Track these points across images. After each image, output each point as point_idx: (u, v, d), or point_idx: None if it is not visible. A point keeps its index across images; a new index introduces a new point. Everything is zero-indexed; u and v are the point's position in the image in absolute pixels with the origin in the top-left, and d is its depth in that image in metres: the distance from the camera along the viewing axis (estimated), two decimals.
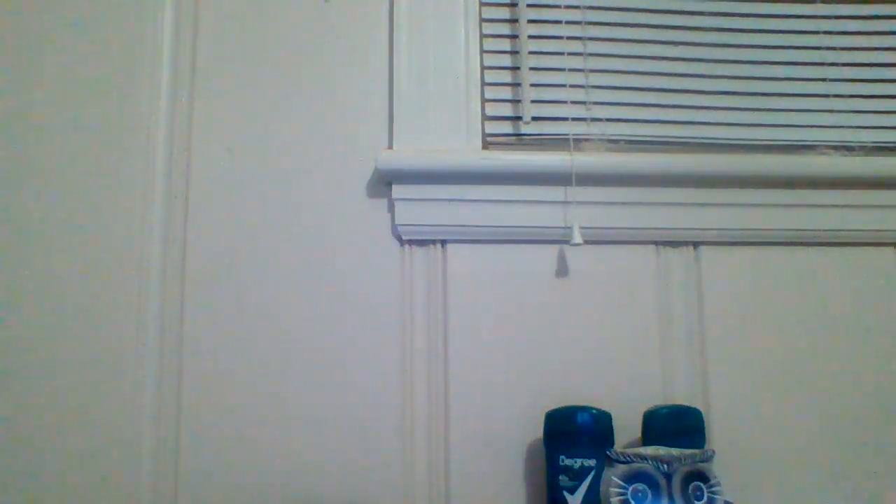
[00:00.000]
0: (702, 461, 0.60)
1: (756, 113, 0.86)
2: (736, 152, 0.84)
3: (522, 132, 0.83)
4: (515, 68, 0.84)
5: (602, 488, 0.61)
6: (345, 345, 0.78)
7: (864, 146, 0.86)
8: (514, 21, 0.85)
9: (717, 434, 0.79)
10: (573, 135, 0.82)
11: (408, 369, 0.78)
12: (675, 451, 0.61)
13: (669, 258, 0.83)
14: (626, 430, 0.75)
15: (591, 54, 0.85)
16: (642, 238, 0.82)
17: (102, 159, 0.80)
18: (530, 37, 0.84)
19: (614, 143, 0.84)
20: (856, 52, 0.88)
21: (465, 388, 0.78)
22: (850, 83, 0.87)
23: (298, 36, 0.84)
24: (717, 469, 0.63)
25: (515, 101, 0.84)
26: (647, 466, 0.59)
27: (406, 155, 0.80)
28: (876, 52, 0.88)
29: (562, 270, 0.81)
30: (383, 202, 0.81)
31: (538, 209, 0.80)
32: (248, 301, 0.79)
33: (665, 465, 0.59)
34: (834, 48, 0.88)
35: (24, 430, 0.75)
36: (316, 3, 0.85)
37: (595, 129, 0.83)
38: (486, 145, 0.83)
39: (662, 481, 0.58)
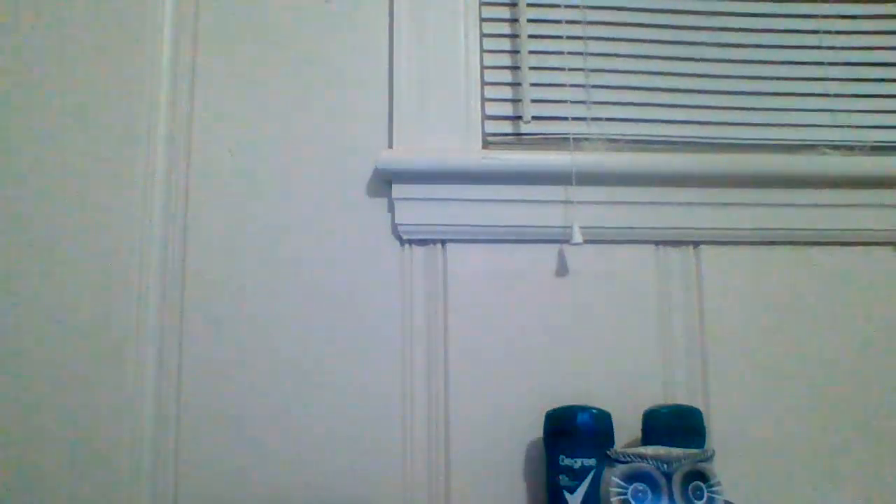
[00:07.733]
0: (702, 461, 0.60)
1: (756, 112, 0.86)
2: (736, 152, 0.84)
3: (522, 132, 0.83)
4: (515, 68, 0.84)
5: (602, 488, 0.61)
6: (345, 344, 0.78)
7: (864, 146, 0.86)
8: (514, 21, 0.85)
9: (717, 434, 0.78)
10: (573, 134, 0.82)
11: (408, 369, 0.78)
12: (675, 451, 0.61)
13: (669, 258, 0.83)
14: (626, 430, 0.75)
15: (591, 54, 0.85)
16: (642, 238, 0.82)
17: (102, 159, 0.80)
18: (530, 37, 0.84)
19: (614, 143, 0.84)
20: (856, 52, 0.88)
21: (465, 387, 0.78)
22: (850, 83, 0.87)
23: (299, 36, 0.84)
24: (717, 469, 0.62)
25: (515, 101, 0.84)
26: (647, 466, 0.59)
27: (406, 155, 0.80)
28: (876, 52, 0.88)
29: (562, 270, 0.81)
30: (383, 202, 0.81)
31: (538, 209, 0.80)
32: (248, 301, 0.79)
33: (665, 465, 0.59)
34: (834, 48, 0.88)
35: (23, 430, 0.75)
36: (316, 3, 0.85)
37: (595, 129, 0.83)
38: (486, 145, 0.83)
39: (662, 481, 0.58)
